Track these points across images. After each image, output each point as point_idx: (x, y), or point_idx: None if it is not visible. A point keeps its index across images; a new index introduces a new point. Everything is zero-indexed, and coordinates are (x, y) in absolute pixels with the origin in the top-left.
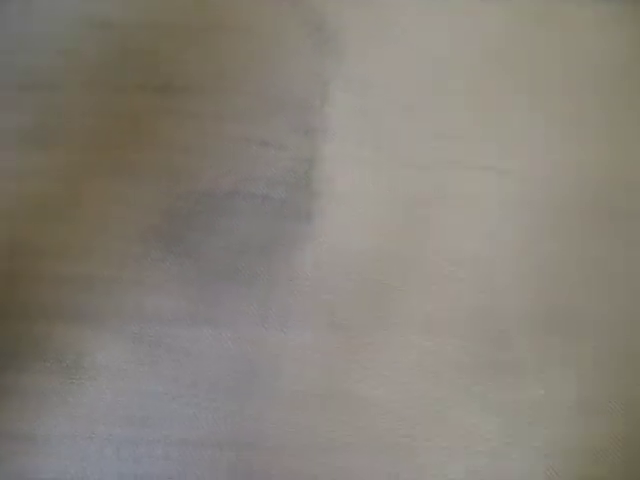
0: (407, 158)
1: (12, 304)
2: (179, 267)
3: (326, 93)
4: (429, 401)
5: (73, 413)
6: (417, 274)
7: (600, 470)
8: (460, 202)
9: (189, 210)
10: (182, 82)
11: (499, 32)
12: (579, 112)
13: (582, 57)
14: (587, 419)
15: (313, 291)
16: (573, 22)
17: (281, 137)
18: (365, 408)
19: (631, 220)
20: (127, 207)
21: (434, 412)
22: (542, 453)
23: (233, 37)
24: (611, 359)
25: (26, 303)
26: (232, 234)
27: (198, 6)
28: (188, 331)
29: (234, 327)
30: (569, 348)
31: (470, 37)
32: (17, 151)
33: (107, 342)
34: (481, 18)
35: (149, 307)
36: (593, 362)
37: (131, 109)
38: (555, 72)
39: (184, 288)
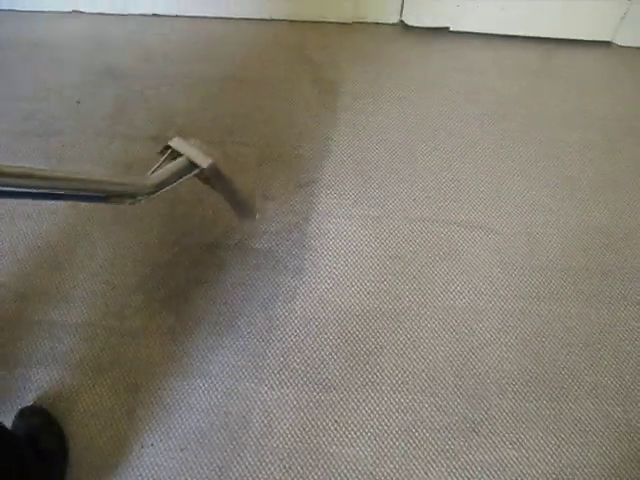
0: (399, 215)
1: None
2: (174, 318)
3: (328, 149)
4: (401, 460)
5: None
6: (401, 331)
7: None
8: (448, 259)
9: (189, 262)
10: (192, 132)
11: (497, 94)
12: (571, 176)
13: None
14: None
15: (297, 346)
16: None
17: (281, 191)
18: (336, 466)
19: (612, 278)
20: (129, 255)
21: (405, 471)
22: None
23: (246, 90)
24: (593, 424)
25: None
26: (227, 287)
27: (215, 59)
28: (181, 383)
29: (224, 380)
30: (548, 411)
31: (468, 99)
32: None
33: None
34: (481, 79)
35: (143, 357)
36: (574, 427)
37: (142, 158)
38: (552, 134)
39: (177, 339)
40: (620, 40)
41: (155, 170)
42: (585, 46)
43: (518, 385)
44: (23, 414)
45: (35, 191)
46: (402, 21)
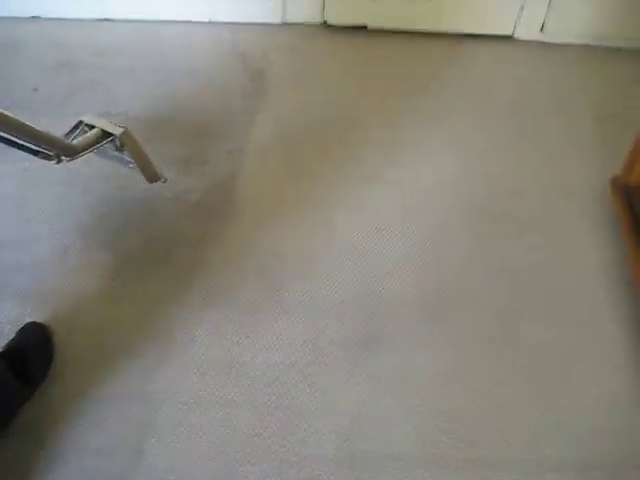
0: (311, 174)
1: None
2: (112, 255)
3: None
4: (306, 367)
5: None
6: (310, 265)
7: None
8: (354, 208)
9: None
10: (137, 114)
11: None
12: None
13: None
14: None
15: (219, 279)
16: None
17: (213, 157)
18: (246, 372)
19: (507, 222)
20: (74, 208)
21: (309, 377)
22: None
23: (186, 79)
24: (477, 341)
25: None
26: (159, 230)
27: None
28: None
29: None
30: (443, 328)
31: (380, 79)
32: None
33: None
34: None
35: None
36: (463, 344)
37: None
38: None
39: (114, 273)
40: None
41: (73, 139)
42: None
43: (414, 307)
44: (25, 328)
45: None
46: (325, 21)
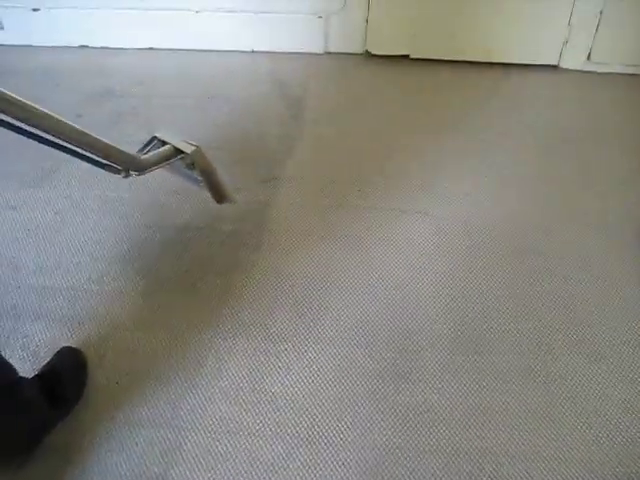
0: (348, 204)
1: None
2: (145, 282)
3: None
4: (334, 399)
5: None
6: (342, 295)
7: None
8: (388, 239)
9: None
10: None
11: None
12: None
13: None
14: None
15: (250, 305)
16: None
17: (248, 185)
18: (276, 403)
19: (544, 254)
20: (112, 235)
21: (337, 409)
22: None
23: (224, 106)
24: (513, 374)
25: None
26: (190, 258)
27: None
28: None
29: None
30: (472, 364)
31: (420, 112)
32: None
33: None
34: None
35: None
36: (496, 377)
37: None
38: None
39: (146, 299)
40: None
41: (144, 153)
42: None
43: (446, 341)
44: (61, 352)
45: (39, 133)
46: (367, 50)
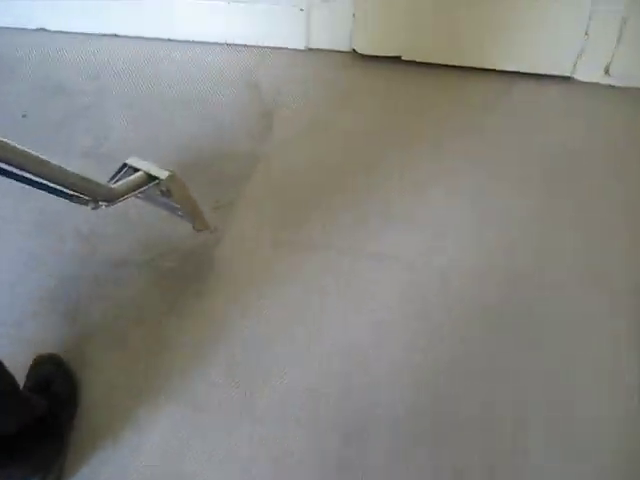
0: (309, 244)
1: None
2: (68, 329)
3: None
4: None
5: None
6: (290, 360)
7: None
8: (356, 292)
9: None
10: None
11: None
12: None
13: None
14: None
15: (181, 370)
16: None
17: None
18: None
19: (523, 319)
20: (39, 267)
21: None
22: None
23: (187, 109)
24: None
25: None
26: (124, 303)
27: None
28: None
29: None
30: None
31: (412, 131)
32: None
33: None
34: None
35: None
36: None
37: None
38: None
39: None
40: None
41: (114, 182)
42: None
43: (403, 426)
44: (37, 362)
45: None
46: (354, 49)
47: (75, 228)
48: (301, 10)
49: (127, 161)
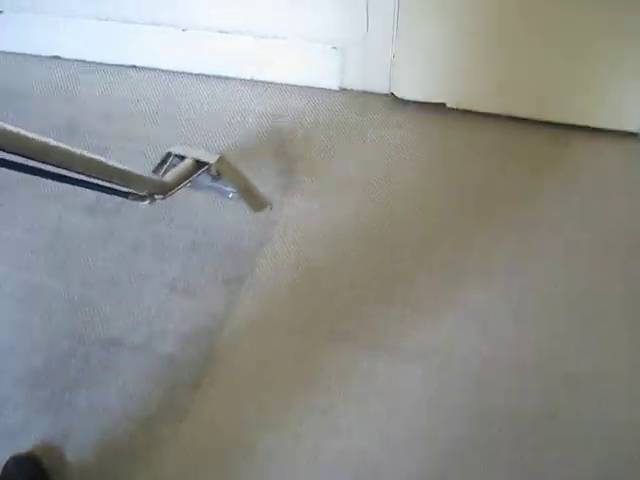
0: (324, 336)
1: None
2: (52, 422)
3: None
4: None
5: None
6: (290, 474)
7: None
8: (374, 397)
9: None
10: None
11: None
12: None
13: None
14: None
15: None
16: None
17: (203, 286)
18: None
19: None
20: (26, 342)
21: None
22: None
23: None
24: None
25: None
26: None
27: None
28: None
29: None
30: None
31: (449, 191)
32: None
33: None
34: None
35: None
36: None
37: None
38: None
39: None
40: None
41: (163, 173)
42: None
43: None
44: (16, 461)
45: (44, 167)
46: (392, 93)
47: (67, 297)
48: (334, 48)
49: (171, 149)
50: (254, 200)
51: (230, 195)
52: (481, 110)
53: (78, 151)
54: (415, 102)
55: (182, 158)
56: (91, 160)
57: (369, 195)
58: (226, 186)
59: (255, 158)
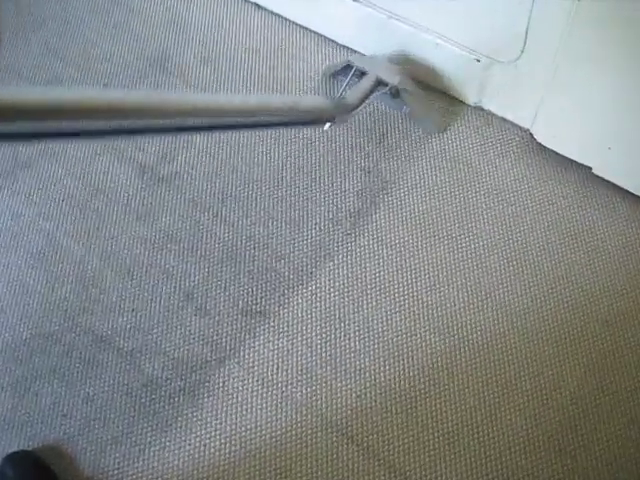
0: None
1: None
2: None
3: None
4: None
5: None
6: None
7: None
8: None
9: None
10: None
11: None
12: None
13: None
14: None
15: None
16: None
17: (220, 312)
18: None
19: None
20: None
21: None
22: None
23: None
24: None
25: None
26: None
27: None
28: None
29: None
30: None
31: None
32: None
33: None
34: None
35: None
36: None
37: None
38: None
39: None
40: None
41: (344, 91)
42: None
43: None
44: (12, 460)
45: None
46: (531, 133)
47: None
48: (477, 61)
49: (351, 60)
50: (432, 122)
51: (404, 109)
52: (631, 190)
53: (246, 98)
54: (556, 154)
55: (362, 73)
56: (261, 105)
57: (441, 250)
58: (403, 105)
59: (334, 178)
